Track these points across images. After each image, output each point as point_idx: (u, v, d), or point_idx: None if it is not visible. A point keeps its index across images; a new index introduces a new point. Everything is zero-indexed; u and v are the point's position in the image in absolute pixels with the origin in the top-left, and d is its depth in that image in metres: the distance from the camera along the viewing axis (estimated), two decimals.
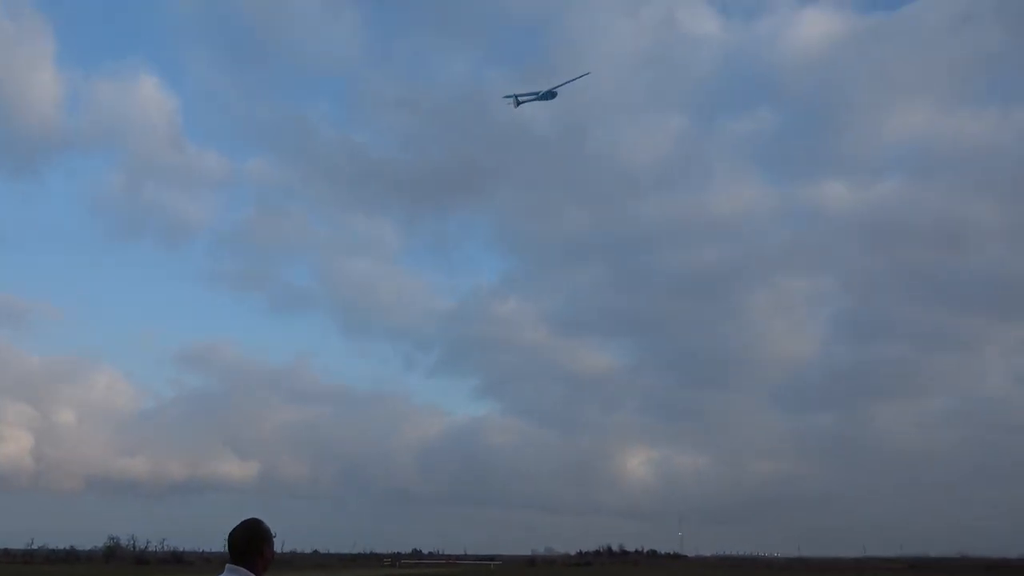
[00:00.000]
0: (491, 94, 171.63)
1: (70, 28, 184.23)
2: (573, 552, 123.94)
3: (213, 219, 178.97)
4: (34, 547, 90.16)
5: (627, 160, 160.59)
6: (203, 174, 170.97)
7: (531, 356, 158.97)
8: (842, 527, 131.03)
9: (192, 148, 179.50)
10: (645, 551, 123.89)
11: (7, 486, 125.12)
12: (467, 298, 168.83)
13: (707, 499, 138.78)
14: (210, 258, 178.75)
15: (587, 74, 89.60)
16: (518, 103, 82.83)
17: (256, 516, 10.67)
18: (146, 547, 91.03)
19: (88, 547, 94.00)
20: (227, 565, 10.55)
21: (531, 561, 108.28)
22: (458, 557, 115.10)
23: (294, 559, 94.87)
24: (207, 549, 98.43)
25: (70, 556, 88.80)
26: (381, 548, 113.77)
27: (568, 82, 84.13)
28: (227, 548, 10.57)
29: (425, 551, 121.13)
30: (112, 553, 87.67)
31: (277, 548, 11.13)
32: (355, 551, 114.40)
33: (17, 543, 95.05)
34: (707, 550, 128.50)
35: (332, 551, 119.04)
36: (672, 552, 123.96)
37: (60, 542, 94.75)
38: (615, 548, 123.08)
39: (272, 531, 10.66)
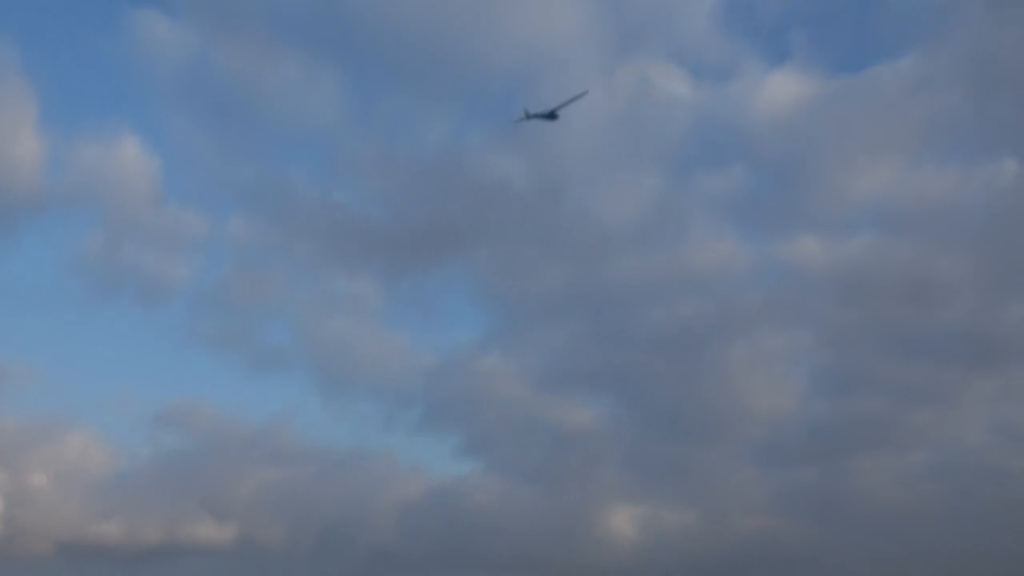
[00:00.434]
0: (469, 154, 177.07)
1: (53, 89, 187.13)
2: None
3: (192, 278, 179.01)
4: None
5: (603, 217, 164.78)
6: (183, 234, 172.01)
7: (513, 413, 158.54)
8: None
9: (172, 208, 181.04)
10: None
11: None
12: (448, 355, 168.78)
13: (691, 557, 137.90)
14: (189, 318, 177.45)
15: (585, 93, 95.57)
16: (528, 117, 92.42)
17: None
18: None
19: None
20: None
21: None
22: None
23: None
24: None
25: None
26: None
27: (568, 102, 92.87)
28: None
29: None
30: None
31: None
32: None
33: None
34: None
35: None
36: None
37: None
38: None
39: None
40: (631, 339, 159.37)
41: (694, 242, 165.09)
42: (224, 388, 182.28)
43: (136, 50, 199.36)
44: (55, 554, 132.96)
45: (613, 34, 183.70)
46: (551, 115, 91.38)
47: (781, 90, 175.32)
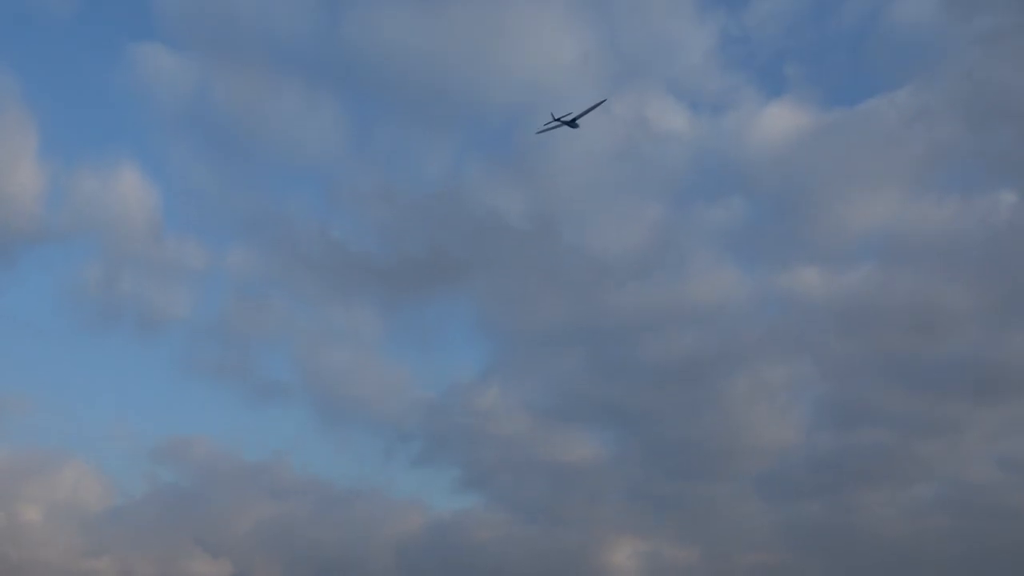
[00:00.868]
0: (468, 185, 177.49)
1: (54, 120, 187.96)
2: None
3: (191, 310, 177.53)
4: None
5: (603, 249, 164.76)
6: (182, 265, 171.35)
7: (513, 447, 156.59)
8: None
9: (171, 239, 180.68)
10: None
11: None
12: (447, 388, 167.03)
13: None
14: (187, 349, 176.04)
15: (604, 101, 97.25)
16: (554, 120, 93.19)
17: None
18: None
19: None
20: None
21: None
22: None
23: None
24: None
25: None
26: None
27: (588, 111, 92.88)
28: None
29: None
30: None
31: None
32: None
33: None
34: None
35: None
36: None
37: None
38: None
39: None
40: (632, 372, 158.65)
41: (694, 274, 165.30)
42: (222, 421, 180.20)
43: (137, 82, 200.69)
44: None
45: (611, 67, 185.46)
46: (572, 123, 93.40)
47: (778, 122, 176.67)
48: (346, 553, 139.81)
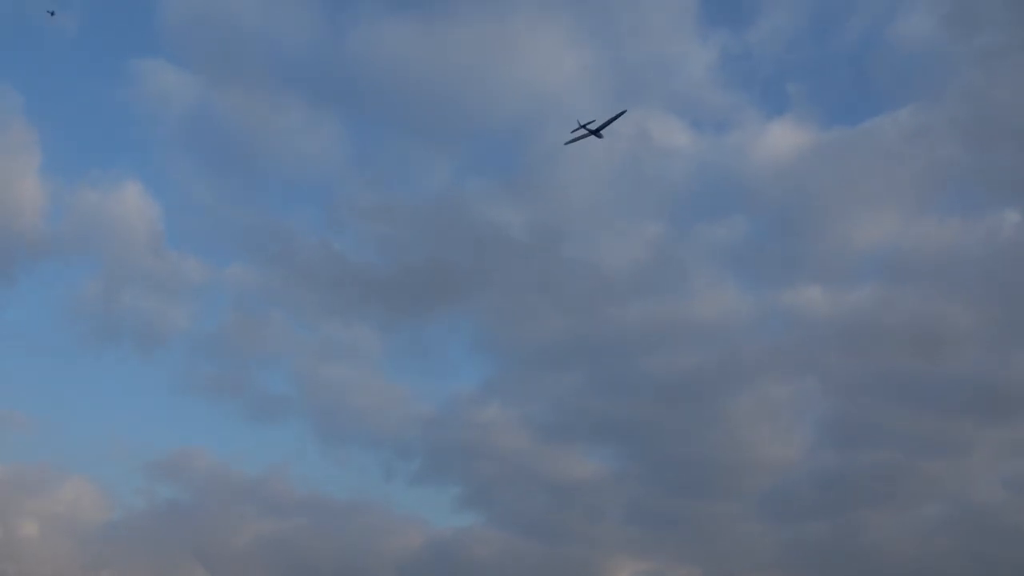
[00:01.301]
0: (469, 201, 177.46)
1: (57, 135, 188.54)
2: None
3: (190, 325, 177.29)
4: None
5: (604, 266, 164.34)
6: (182, 280, 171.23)
7: (514, 464, 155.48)
8: None
9: (172, 254, 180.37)
10: None
11: None
12: (447, 404, 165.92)
13: None
14: (186, 365, 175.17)
15: (624, 112, 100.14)
16: (580, 127, 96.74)
17: None
18: None
19: None
20: None
21: None
22: None
23: None
24: None
25: None
26: None
27: (610, 121, 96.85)
28: None
29: None
30: None
31: None
32: None
33: None
34: None
35: None
36: None
37: None
38: None
39: None
40: (634, 389, 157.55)
41: (696, 291, 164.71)
42: (220, 437, 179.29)
43: (139, 97, 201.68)
44: None
45: (613, 84, 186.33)
46: (597, 132, 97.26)
47: (780, 141, 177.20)
48: (345, 570, 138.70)
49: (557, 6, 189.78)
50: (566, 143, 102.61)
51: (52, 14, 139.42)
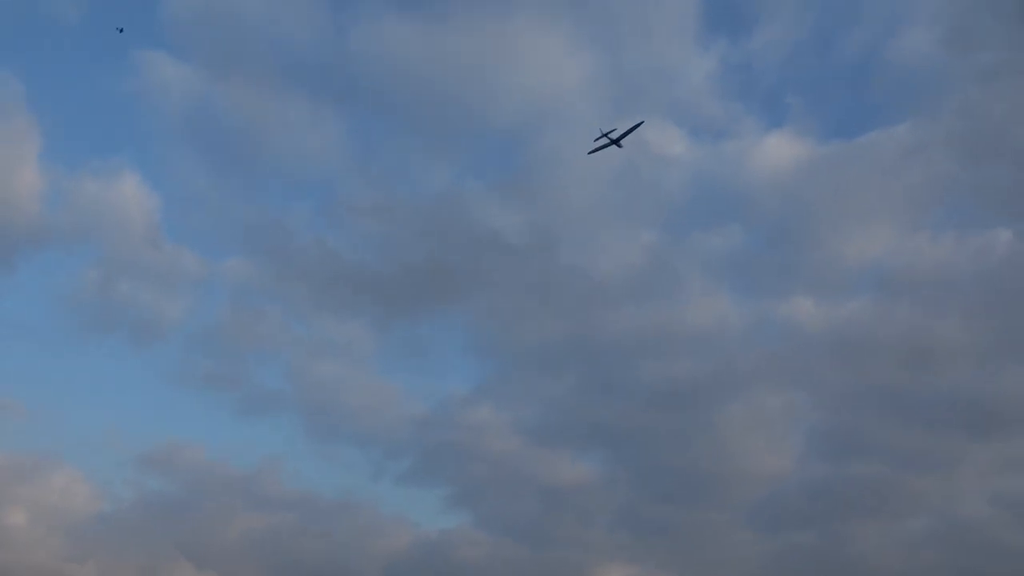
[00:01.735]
0: (467, 203, 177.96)
1: (57, 125, 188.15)
2: None
3: (186, 318, 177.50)
4: None
5: (600, 272, 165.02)
6: (179, 273, 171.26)
7: (504, 466, 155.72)
8: None
9: (169, 246, 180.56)
10: None
11: None
12: (439, 405, 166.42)
13: None
14: (180, 357, 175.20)
15: (642, 123, 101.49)
16: (603, 136, 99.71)
17: None
18: None
19: None
20: None
21: None
22: None
23: None
24: None
25: None
26: None
27: (628, 132, 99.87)
28: None
29: None
30: None
31: None
32: None
33: None
34: None
35: None
36: None
37: None
38: None
39: None
40: (626, 395, 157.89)
41: (690, 299, 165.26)
42: (212, 430, 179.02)
43: (141, 89, 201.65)
44: None
45: (613, 90, 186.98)
46: (617, 142, 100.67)
47: (777, 152, 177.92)
48: (332, 568, 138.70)
49: (559, 11, 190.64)
50: (589, 152, 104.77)
51: (121, 31, 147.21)
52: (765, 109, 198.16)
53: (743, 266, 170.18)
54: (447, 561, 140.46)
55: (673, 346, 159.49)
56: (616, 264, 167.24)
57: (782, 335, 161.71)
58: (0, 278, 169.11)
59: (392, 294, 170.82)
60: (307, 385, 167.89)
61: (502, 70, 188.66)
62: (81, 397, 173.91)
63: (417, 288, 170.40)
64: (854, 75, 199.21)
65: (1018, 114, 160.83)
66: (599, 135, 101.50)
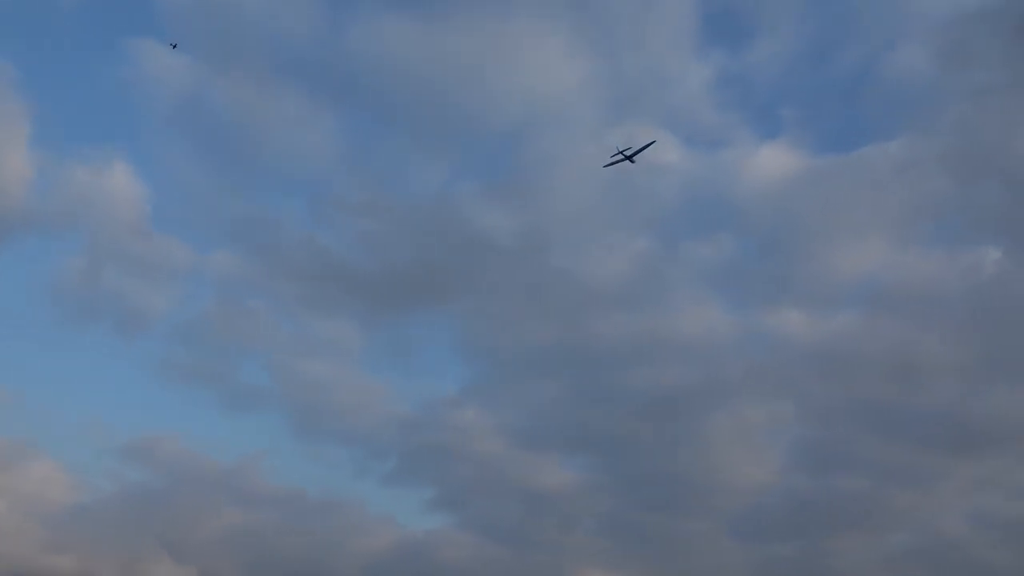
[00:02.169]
0: (459, 204, 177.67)
1: (48, 111, 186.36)
2: None
3: (171, 310, 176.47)
4: None
5: (590, 278, 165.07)
6: (166, 264, 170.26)
7: (489, 469, 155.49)
8: None
9: (157, 237, 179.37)
10: None
11: None
12: (425, 405, 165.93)
13: None
14: (165, 350, 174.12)
15: (654, 142, 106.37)
16: (618, 152, 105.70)
17: None
18: None
19: None
20: None
21: None
22: None
23: None
24: None
25: None
26: None
27: (641, 149, 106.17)
28: None
29: None
30: None
31: None
32: None
33: None
34: None
35: None
36: None
37: None
38: None
39: None
40: (612, 402, 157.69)
41: (679, 308, 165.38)
42: (195, 424, 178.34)
43: (134, 78, 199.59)
44: None
45: (609, 96, 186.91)
46: (631, 158, 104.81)
47: (771, 164, 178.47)
48: (313, 566, 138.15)
49: (558, 14, 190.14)
50: (604, 166, 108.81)
51: (174, 47, 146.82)
52: (760, 120, 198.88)
53: (733, 276, 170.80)
54: (430, 562, 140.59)
55: (661, 354, 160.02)
56: (607, 270, 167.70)
57: (770, 346, 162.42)
58: None
59: (381, 293, 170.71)
60: (292, 382, 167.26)
61: (499, 72, 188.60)
62: (63, 386, 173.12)
63: (407, 288, 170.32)
64: (849, 89, 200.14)
65: (1011, 132, 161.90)
66: (615, 152, 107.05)
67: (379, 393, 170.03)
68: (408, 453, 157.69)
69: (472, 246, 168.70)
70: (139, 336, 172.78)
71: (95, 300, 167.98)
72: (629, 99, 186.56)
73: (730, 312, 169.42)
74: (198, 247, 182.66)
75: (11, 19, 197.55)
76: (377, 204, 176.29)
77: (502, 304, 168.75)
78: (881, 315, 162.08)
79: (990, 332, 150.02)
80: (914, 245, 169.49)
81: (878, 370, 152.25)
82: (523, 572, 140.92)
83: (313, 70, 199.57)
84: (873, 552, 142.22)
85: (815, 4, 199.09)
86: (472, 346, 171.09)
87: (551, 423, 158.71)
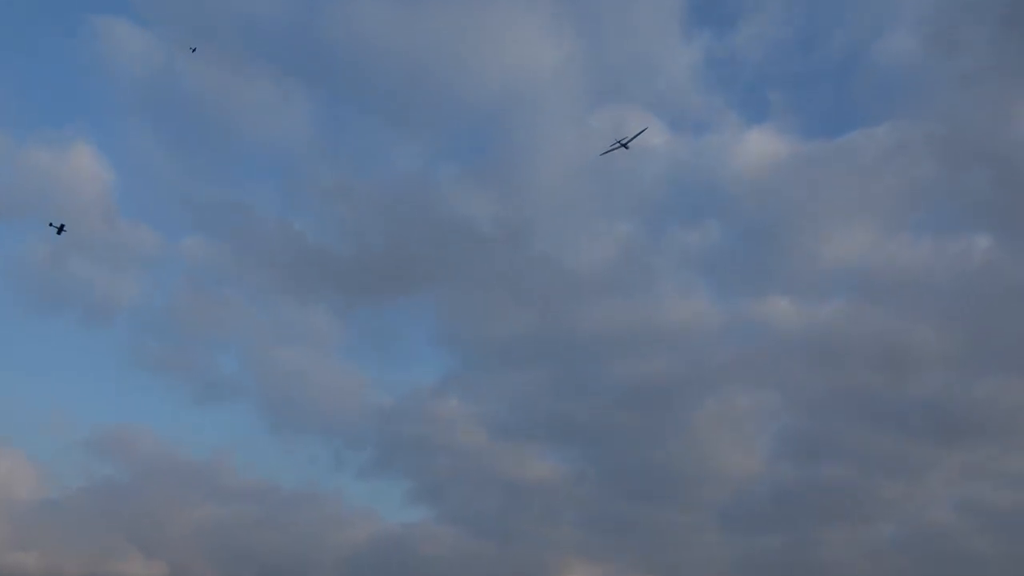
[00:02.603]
0: (436, 189, 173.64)
1: (7, 92, 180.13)
2: None
3: (139, 298, 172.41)
4: None
5: (572, 264, 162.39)
6: (133, 251, 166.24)
7: (469, 461, 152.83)
8: None
9: (124, 223, 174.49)
10: None
11: None
12: (403, 395, 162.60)
13: None
14: (133, 339, 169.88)
15: (645, 129, 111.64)
16: (617, 143, 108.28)
17: None
18: None
19: None
20: None
21: None
22: None
23: None
24: None
25: None
26: None
27: (634, 137, 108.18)
28: None
29: None
30: None
31: None
32: None
33: None
34: None
35: None
36: None
37: None
38: None
39: None
40: (595, 391, 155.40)
41: (664, 295, 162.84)
42: (165, 416, 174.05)
43: (97, 57, 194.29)
44: None
45: (591, 79, 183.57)
46: (625, 145, 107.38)
47: (758, 149, 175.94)
48: (288, 562, 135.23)
49: None
50: (601, 154, 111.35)
51: (193, 51, 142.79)
52: (747, 105, 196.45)
53: (719, 263, 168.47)
54: (410, 555, 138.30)
55: (645, 343, 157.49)
56: (590, 257, 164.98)
57: (756, 335, 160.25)
58: None
59: (358, 280, 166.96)
60: (266, 372, 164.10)
61: (479, 52, 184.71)
62: (27, 376, 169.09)
63: (384, 274, 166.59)
64: (837, 74, 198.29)
65: (1000, 118, 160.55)
66: (613, 142, 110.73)
67: (356, 383, 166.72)
68: (386, 444, 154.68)
69: (450, 231, 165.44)
70: (106, 324, 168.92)
71: (60, 287, 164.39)
72: (613, 81, 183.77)
73: (716, 300, 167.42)
74: (167, 233, 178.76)
75: None
76: (353, 188, 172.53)
77: (483, 291, 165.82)
78: (869, 303, 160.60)
79: (979, 320, 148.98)
80: (902, 232, 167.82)
81: (866, 359, 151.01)
82: (505, 565, 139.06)
83: (286, 50, 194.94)
84: (859, 542, 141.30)
85: None
86: (452, 335, 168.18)
87: (534, 413, 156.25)
